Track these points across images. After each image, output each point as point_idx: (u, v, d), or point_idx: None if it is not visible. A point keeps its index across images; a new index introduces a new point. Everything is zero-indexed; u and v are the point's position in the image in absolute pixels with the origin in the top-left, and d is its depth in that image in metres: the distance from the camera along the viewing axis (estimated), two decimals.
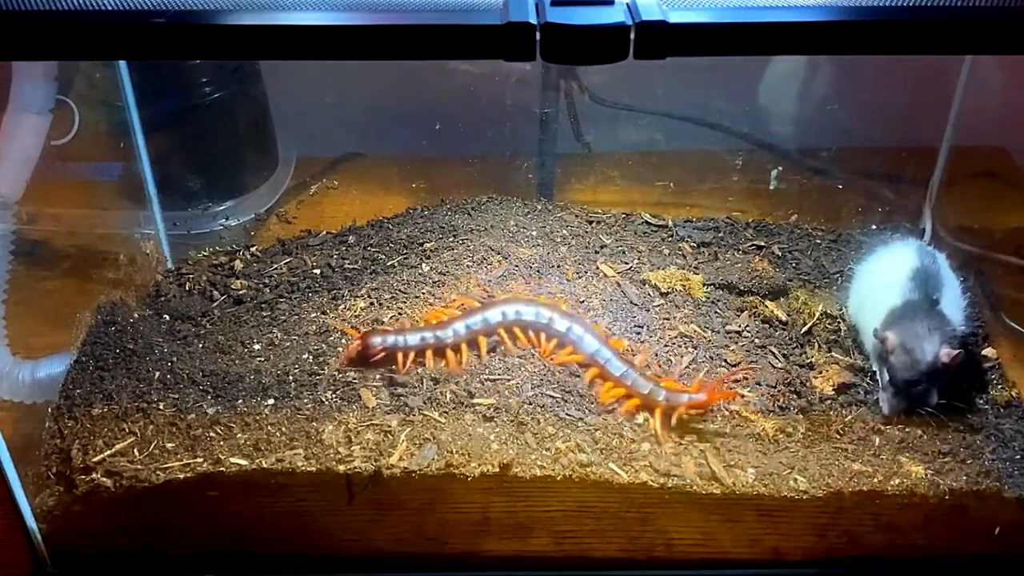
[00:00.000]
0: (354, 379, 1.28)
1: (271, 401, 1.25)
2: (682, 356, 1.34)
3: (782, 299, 1.48)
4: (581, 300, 1.42)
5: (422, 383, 1.27)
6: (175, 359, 1.33)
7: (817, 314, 1.44)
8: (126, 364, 1.32)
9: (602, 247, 1.55)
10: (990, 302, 1.50)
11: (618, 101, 1.70)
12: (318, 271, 1.52)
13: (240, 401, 1.25)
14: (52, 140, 1.29)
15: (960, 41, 0.90)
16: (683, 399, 1.23)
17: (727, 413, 1.26)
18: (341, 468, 1.16)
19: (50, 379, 1.31)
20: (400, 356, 1.28)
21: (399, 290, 1.43)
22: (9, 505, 1.18)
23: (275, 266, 1.55)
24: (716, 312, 1.43)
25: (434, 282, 1.44)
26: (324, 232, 1.64)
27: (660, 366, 1.32)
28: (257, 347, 1.36)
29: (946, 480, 1.18)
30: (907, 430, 1.26)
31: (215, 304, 1.48)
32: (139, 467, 1.17)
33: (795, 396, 1.30)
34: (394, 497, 1.19)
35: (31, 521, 1.20)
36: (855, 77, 1.66)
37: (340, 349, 1.32)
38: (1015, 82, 1.58)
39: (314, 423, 1.21)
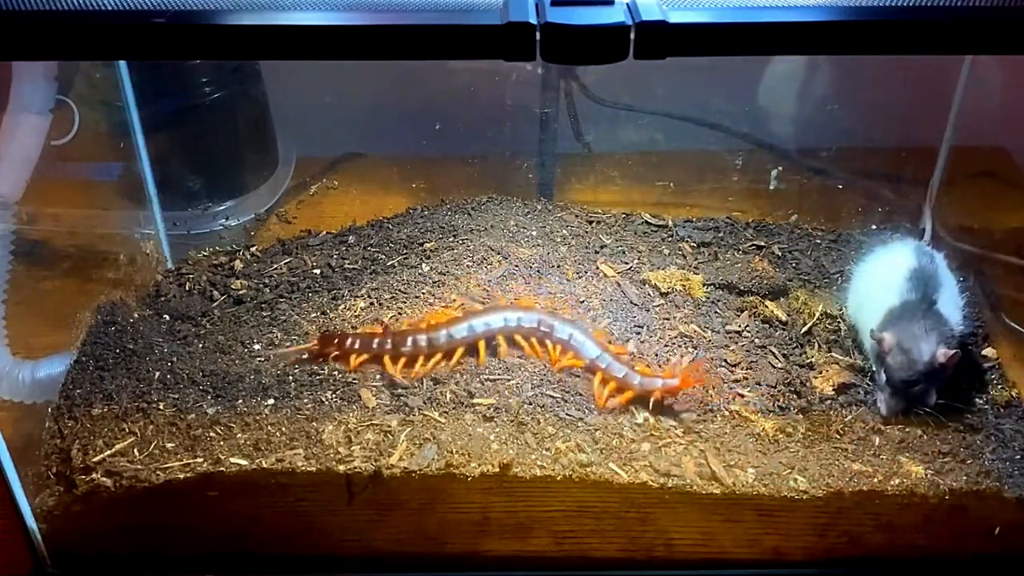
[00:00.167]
0: (354, 379, 1.28)
1: (271, 401, 1.25)
2: (682, 356, 1.34)
3: (782, 299, 1.48)
4: (581, 300, 1.42)
5: (422, 383, 1.27)
6: (175, 359, 1.33)
7: (817, 314, 1.44)
8: (126, 364, 1.32)
9: (602, 247, 1.55)
10: (990, 302, 1.50)
11: (618, 101, 1.70)
12: (318, 271, 1.52)
13: (240, 401, 1.25)
14: (52, 140, 1.29)
15: (960, 41, 0.90)
16: (657, 383, 1.24)
17: (727, 413, 1.26)
18: (341, 468, 1.16)
19: (50, 379, 1.31)
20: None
21: (399, 290, 1.43)
22: (9, 505, 1.18)
23: (275, 266, 1.55)
24: (716, 312, 1.43)
25: (434, 282, 1.44)
26: (324, 232, 1.65)
27: (660, 366, 1.32)
28: (257, 347, 1.36)
29: (946, 480, 1.18)
30: (907, 430, 1.26)
31: (215, 304, 1.48)
32: (139, 467, 1.17)
33: (795, 396, 1.30)
34: (394, 497, 1.19)
35: (31, 521, 1.20)
36: (855, 77, 1.66)
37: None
38: (1015, 82, 1.58)
39: (314, 423, 1.21)
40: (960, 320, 1.34)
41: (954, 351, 1.25)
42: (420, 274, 1.46)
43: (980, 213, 1.68)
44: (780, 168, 1.71)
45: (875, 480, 1.18)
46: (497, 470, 1.16)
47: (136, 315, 1.44)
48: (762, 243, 1.62)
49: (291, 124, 1.80)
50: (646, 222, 1.64)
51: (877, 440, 1.24)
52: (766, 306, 1.45)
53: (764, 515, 1.19)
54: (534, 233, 1.57)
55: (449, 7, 0.92)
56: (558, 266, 1.49)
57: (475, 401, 1.24)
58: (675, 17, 0.85)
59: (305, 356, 1.32)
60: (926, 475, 1.19)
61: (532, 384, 1.27)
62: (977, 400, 1.33)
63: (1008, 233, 1.62)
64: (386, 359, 1.29)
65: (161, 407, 1.24)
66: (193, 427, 1.22)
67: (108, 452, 1.19)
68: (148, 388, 1.28)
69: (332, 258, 1.55)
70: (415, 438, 1.19)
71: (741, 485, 1.17)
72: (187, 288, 1.52)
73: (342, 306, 1.41)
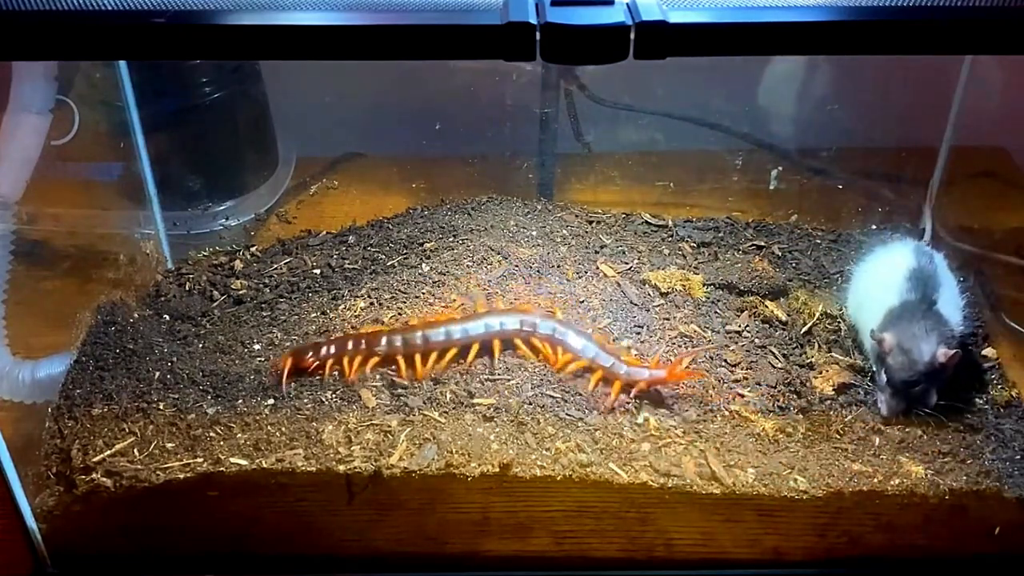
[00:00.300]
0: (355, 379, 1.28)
1: (271, 401, 1.25)
2: (682, 355, 1.34)
3: (782, 299, 1.48)
4: (581, 300, 1.42)
5: (422, 383, 1.27)
6: (175, 359, 1.33)
7: (817, 314, 1.44)
8: (126, 364, 1.32)
9: (602, 247, 1.55)
10: (990, 302, 1.50)
11: (618, 101, 1.70)
12: (318, 271, 1.52)
13: (240, 401, 1.25)
14: (52, 140, 1.29)
15: (960, 41, 0.90)
16: (644, 374, 1.25)
17: (727, 413, 1.26)
18: (341, 468, 1.16)
19: (50, 379, 1.31)
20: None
21: (399, 290, 1.43)
22: (9, 505, 1.18)
23: (275, 266, 1.55)
24: (716, 312, 1.43)
25: (434, 282, 1.44)
26: (324, 232, 1.65)
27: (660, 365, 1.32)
28: (257, 347, 1.36)
29: (946, 480, 1.18)
30: (907, 430, 1.26)
31: (215, 304, 1.48)
32: (139, 467, 1.17)
33: (795, 396, 1.30)
34: (394, 497, 1.19)
35: (31, 521, 1.20)
36: (855, 77, 1.66)
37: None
38: (1015, 82, 1.58)
39: (314, 423, 1.21)
40: (960, 320, 1.34)
41: (954, 351, 1.25)
42: (420, 274, 1.46)
43: (980, 213, 1.68)
44: (780, 168, 1.71)
45: (875, 480, 1.18)
46: (497, 470, 1.16)
47: (136, 315, 1.44)
48: (762, 243, 1.62)
49: (291, 124, 1.80)
50: (646, 222, 1.64)
51: (877, 440, 1.24)
52: (766, 306, 1.45)
53: (764, 515, 1.19)
54: (534, 233, 1.57)
55: (449, 7, 0.92)
56: (558, 266, 1.49)
57: (475, 401, 1.24)
58: (675, 17, 0.85)
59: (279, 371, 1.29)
60: (926, 475, 1.19)
61: (532, 384, 1.27)
62: (977, 400, 1.33)
63: (1008, 233, 1.62)
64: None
65: (161, 407, 1.24)
66: (193, 427, 1.22)
67: (108, 452, 1.19)
68: (148, 388, 1.28)
69: (332, 258, 1.55)
70: (415, 438, 1.19)
71: (741, 485, 1.17)
72: (187, 288, 1.52)
73: (342, 306, 1.41)
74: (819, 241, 1.64)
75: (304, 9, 0.90)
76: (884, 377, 1.27)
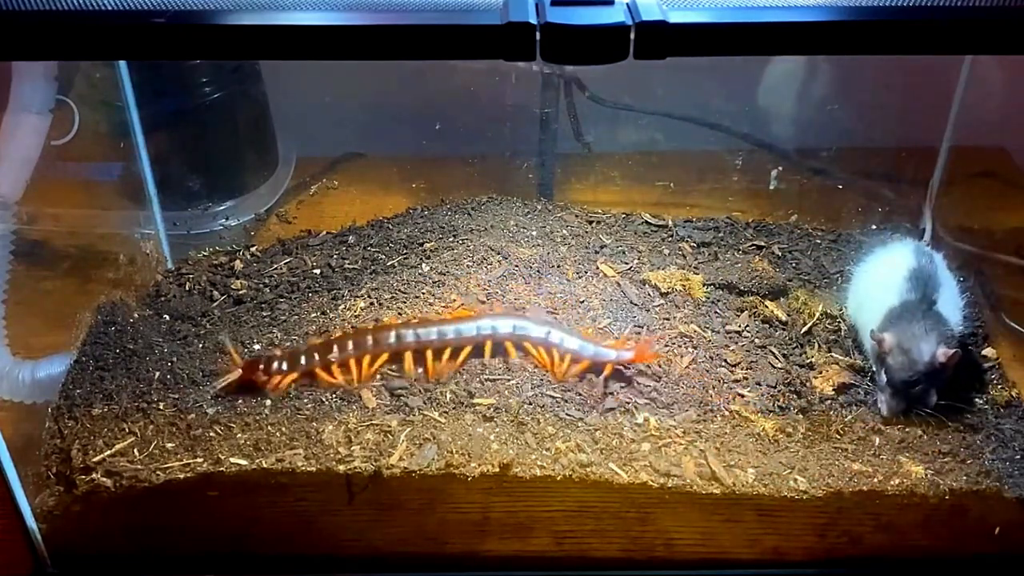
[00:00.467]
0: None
1: (271, 401, 1.25)
2: (682, 356, 1.34)
3: (782, 299, 1.48)
4: (581, 300, 1.42)
5: (421, 384, 1.27)
6: (175, 359, 1.33)
7: (817, 314, 1.44)
8: (126, 364, 1.32)
9: (602, 247, 1.55)
10: (990, 302, 1.50)
11: (618, 101, 1.70)
12: (318, 271, 1.52)
13: (240, 401, 1.25)
14: (52, 140, 1.29)
15: (960, 41, 0.90)
16: (611, 355, 1.27)
17: (727, 413, 1.26)
18: (341, 468, 1.16)
19: (50, 379, 1.31)
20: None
21: (399, 290, 1.43)
22: (9, 505, 1.18)
23: (275, 266, 1.55)
24: (716, 312, 1.43)
25: (434, 282, 1.44)
26: (324, 232, 1.65)
27: (661, 366, 1.32)
28: (257, 347, 1.36)
29: (946, 480, 1.18)
30: (907, 430, 1.26)
31: (215, 304, 1.48)
32: (139, 467, 1.17)
33: (795, 396, 1.30)
34: (394, 497, 1.19)
35: (31, 521, 1.20)
36: (855, 77, 1.66)
37: None
38: (1015, 82, 1.58)
39: (314, 423, 1.21)
40: (960, 320, 1.34)
41: (954, 351, 1.25)
42: (420, 274, 1.46)
43: (980, 213, 1.68)
44: (780, 168, 1.71)
45: (875, 480, 1.18)
46: (497, 470, 1.16)
47: (136, 315, 1.44)
48: (762, 243, 1.62)
49: (291, 124, 1.80)
50: (646, 222, 1.64)
51: (877, 440, 1.24)
52: (766, 306, 1.45)
53: (764, 515, 1.19)
54: (534, 233, 1.57)
55: (449, 7, 0.92)
56: (558, 266, 1.49)
57: (475, 401, 1.24)
58: (675, 17, 0.85)
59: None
60: (926, 475, 1.19)
61: (532, 384, 1.27)
62: (977, 400, 1.33)
63: (1008, 233, 1.62)
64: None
65: (161, 407, 1.24)
66: (193, 427, 1.22)
67: (108, 452, 1.19)
68: (148, 388, 1.28)
69: (332, 258, 1.55)
70: (415, 438, 1.19)
71: (741, 485, 1.17)
72: (187, 288, 1.52)
73: (342, 306, 1.41)
74: (819, 241, 1.64)
75: (304, 9, 0.90)
76: (884, 377, 1.27)
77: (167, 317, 1.45)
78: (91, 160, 1.53)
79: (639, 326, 1.38)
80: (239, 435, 1.20)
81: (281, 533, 1.23)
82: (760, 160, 1.71)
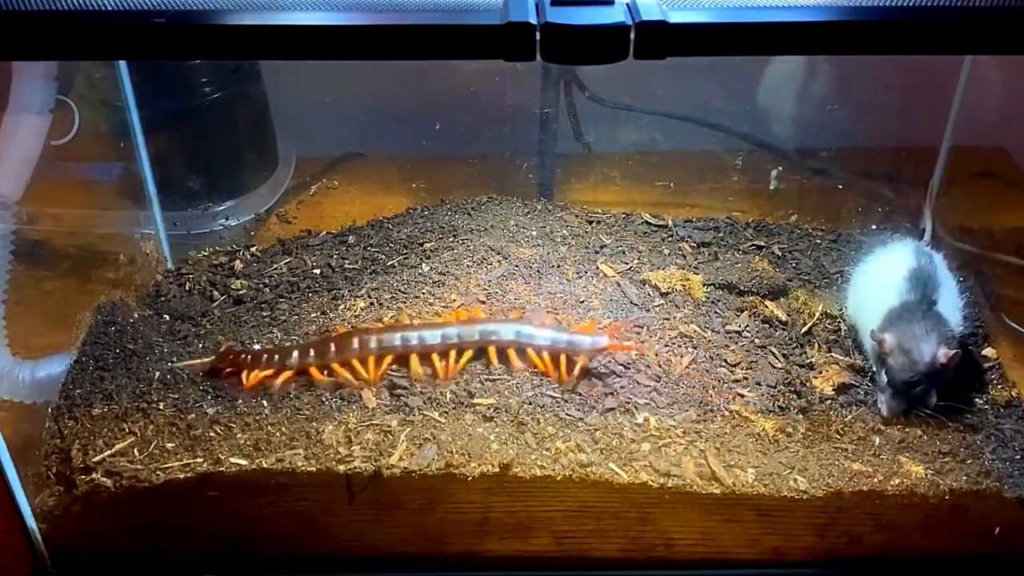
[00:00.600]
0: None
1: (268, 403, 1.25)
2: (682, 356, 1.34)
3: (782, 299, 1.48)
4: (581, 300, 1.42)
5: (420, 384, 1.27)
6: (175, 359, 1.33)
7: (817, 314, 1.44)
8: (126, 364, 1.32)
9: (602, 247, 1.55)
10: (990, 302, 1.50)
11: (618, 101, 1.70)
12: (318, 271, 1.52)
13: (240, 401, 1.25)
14: (52, 140, 1.29)
15: (960, 41, 0.90)
16: (586, 344, 1.27)
17: (727, 413, 1.26)
18: (341, 468, 1.16)
19: (50, 379, 1.31)
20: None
21: (399, 290, 1.43)
22: (9, 505, 1.18)
23: (275, 266, 1.55)
24: (716, 312, 1.43)
25: (434, 282, 1.44)
26: (324, 232, 1.65)
27: (661, 366, 1.32)
28: (257, 347, 1.36)
29: (946, 480, 1.18)
30: (907, 430, 1.26)
31: (215, 304, 1.48)
32: (139, 467, 1.17)
33: (795, 396, 1.30)
34: (394, 497, 1.19)
35: (31, 521, 1.20)
36: (855, 77, 1.66)
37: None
38: (1015, 82, 1.58)
39: (314, 423, 1.21)
40: (960, 320, 1.34)
41: (954, 351, 1.25)
42: (420, 274, 1.46)
43: (980, 213, 1.68)
44: (780, 168, 1.71)
45: (875, 480, 1.18)
46: (497, 470, 1.16)
47: (136, 315, 1.44)
48: (762, 243, 1.62)
49: (291, 124, 1.80)
50: (646, 222, 1.64)
51: (877, 440, 1.24)
52: (766, 306, 1.45)
53: (764, 515, 1.19)
54: (534, 233, 1.57)
55: (449, 7, 0.92)
56: (558, 266, 1.49)
57: (475, 401, 1.24)
58: (675, 17, 0.85)
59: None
60: (926, 475, 1.19)
61: (532, 384, 1.27)
62: (977, 400, 1.33)
63: (1008, 233, 1.62)
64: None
65: (161, 407, 1.24)
66: (193, 427, 1.22)
67: (108, 452, 1.19)
68: (148, 388, 1.28)
69: (332, 258, 1.55)
70: (415, 438, 1.19)
71: (741, 485, 1.17)
72: (187, 288, 1.52)
73: (342, 306, 1.41)
74: (819, 241, 1.64)
75: (304, 9, 0.90)
76: (884, 377, 1.27)
77: (167, 317, 1.45)
78: (91, 160, 1.53)
79: (639, 326, 1.38)
80: (239, 435, 1.20)
81: (281, 533, 1.23)
82: (760, 160, 1.71)
